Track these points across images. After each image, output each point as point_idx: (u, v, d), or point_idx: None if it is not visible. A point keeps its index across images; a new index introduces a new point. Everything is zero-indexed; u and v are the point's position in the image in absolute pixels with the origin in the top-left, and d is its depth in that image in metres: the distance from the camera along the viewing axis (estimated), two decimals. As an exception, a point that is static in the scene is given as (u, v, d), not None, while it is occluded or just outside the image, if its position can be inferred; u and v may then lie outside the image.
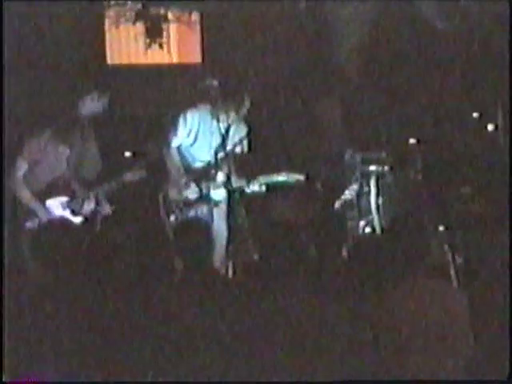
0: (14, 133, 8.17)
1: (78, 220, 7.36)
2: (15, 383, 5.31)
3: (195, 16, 9.25)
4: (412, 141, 8.08)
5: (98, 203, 7.54)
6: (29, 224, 7.29)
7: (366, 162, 7.95)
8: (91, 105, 7.89)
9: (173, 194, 7.41)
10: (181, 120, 7.44)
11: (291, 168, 7.48)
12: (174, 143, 7.45)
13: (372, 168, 7.93)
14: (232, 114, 7.30)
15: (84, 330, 5.09)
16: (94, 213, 7.50)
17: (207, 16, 9.19)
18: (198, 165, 7.46)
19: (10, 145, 7.81)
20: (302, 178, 7.35)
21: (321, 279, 5.87)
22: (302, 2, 7.73)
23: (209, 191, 7.31)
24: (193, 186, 7.34)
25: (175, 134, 7.45)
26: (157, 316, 5.12)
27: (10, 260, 7.21)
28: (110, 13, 9.06)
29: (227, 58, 9.10)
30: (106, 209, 7.69)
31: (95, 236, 7.17)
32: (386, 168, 7.93)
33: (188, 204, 7.34)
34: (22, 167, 7.32)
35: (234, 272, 6.93)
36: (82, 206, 7.44)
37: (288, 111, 8.75)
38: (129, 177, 7.48)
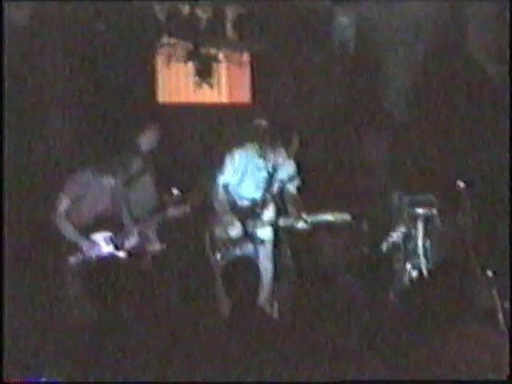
0: (57, 168, 8.28)
1: (121, 255, 7.38)
2: (15, 383, 5.31)
3: (245, 56, 9.32)
4: (461, 184, 8.03)
5: (142, 239, 7.56)
6: (73, 259, 7.33)
7: (414, 204, 7.89)
8: (142, 141, 7.98)
9: (219, 232, 7.41)
10: (228, 159, 7.47)
11: (338, 208, 7.45)
12: (221, 181, 7.49)
13: (420, 210, 7.87)
14: (280, 154, 7.32)
15: (130, 372, 5.08)
16: (139, 248, 7.51)
17: (257, 56, 9.25)
18: (245, 203, 7.48)
19: (52, 180, 7.93)
20: (348, 218, 7.32)
21: (367, 322, 5.83)
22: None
23: (255, 230, 7.31)
24: (238, 224, 7.35)
25: (222, 173, 7.48)
26: (203, 355, 5.10)
27: (53, 294, 7.26)
28: (162, 52, 9.17)
29: (276, 98, 9.15)
30: (155, 245, 7.71)
31: (141, 272, 7.22)
32: (434, 211, 7.87)
33: (234, 242, 7.34)
34: (64, 202, 7.37)
35: (280, 312, 6.89)
36: (125, 240, 7.47)
37: (336, 151, 8.76)
38: (172, 212, 7.50)
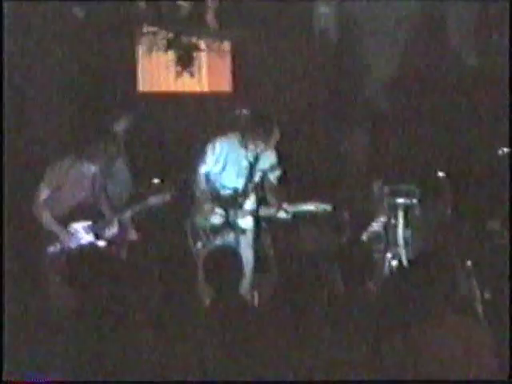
0: (36, 158, 8.24)
1: (101, 244, 7.36)
2: (15, 383, 5.31)
3: (226, 45, 9.30)
4: (441, 174, 8.06)
5: (122, 228, 7.54)
6: (51, 249, 7.29)
7: (394, 194, 7.91)
8: (122, 130, 7.95)
9: (200, 220, 7.41)
10: (209, 147, 7.46)
11: (319, 198, 7.46)
12: (202, 170, 7.47)
13: (400, 200, 7.88)
14: (261, 143, 7.31)
15: (109, 359, 5.08)
16: (118, 237, 7.49)
17: (238, 45, 9.24)
18: (226, 192, 7.47)
19: (31, 170, 7.89)
20: (329, 208, 7.32)
21: (346, 311, 5.84)
22: None
23: (236, 219, 7.31)
24: (220, 212, 7.34)
25: (203, 161, 7.46)
26: (183, 345, 5.11)
27: (31, 283, 7.24)
28: (143, 40, 9.14)
29: (257, 88, 9.15)
30: (132, 234, 7.70)
31: (120, 261, 7.20)
32: (414, 201, 7.89)
33: (215, 231, 7.34)
34: (43, 192, 7.31)
35: (260, 301, 6.90)
36: (105, 230, 7.45)
37: (317, 141, 8.78)
38: (153, 201, 7.48)
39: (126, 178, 7.91)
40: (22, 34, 8.64)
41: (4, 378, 5.47)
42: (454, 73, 8.81)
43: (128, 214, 7.52)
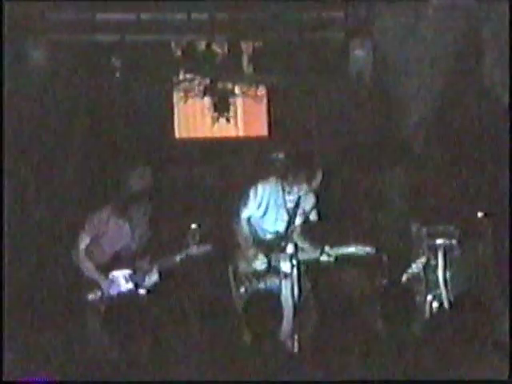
0: (77, 207, 8.33)
1: (142, 292, 7.38)
2: (15, 383, 5.30)
3: (261, 90, 9.37)
4: (480, 214, 8.00)
5: (161, 276, 7.54)
6: (91, 296, 7.34)
7: (433, 235, 7.86)
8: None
9: (242, 265, 7.41)
10: (252, 192, 7.48)
11: (358, 240, 7.43)
12: (244, 215, 7.49)
13: (439, 241, 7.84)
14: (302, 187, 7.33)
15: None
16: (159, 285, 7.49)
17: (273, 90, 9.30)
18: (268, 236, 7.48)
19: (73, 219, 7.98)
20: (372, 250, 7.30)
21: (389, 354, 5.79)
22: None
23: (278, 263, 7.30)
24: (262, 257, 7.34)
25: (245, 206, 7.49)
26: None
27: (72, 330, 7.26)
28: (179, 88, 9.23)
29: (293, 131, 9.18)
30: (175, 282, 7.64)
31: (162, 308, 7.21)
32: (454, 241, 7.84)
33: (257, 276, 7.33)
34: (84, 240, 7.41)
35: (300, 346, 6.85)
36: (145, 278, 7.47)
37: (355, 183, 8.76)
38: (194, 251, 7.50)
39: (169, 225, 7.92)
40: (60, 83, 8.77)
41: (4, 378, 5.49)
42: (491, 112, 8.77)
43: (169, 263, 7.53)
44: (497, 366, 4.99)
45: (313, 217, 7.44)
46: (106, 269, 7.41)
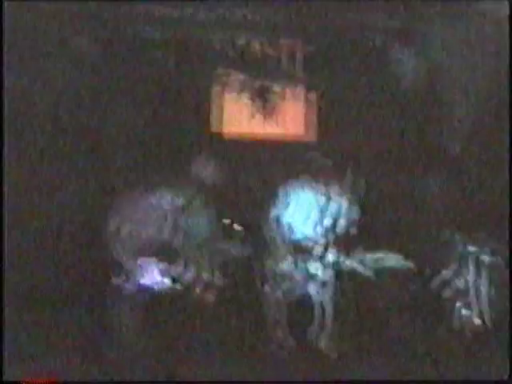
0: (107, 188, 8.34)
1: (175, 285, 7.34)
2: (15, 383, 5.34)
3: (300, 88, 9.36)
4: (513, 222, 7.96)
5: (199, 271, 7.53)
6: (117, 280, 7.27)
7: (466, 241, 7.84)
8: (198, 171, 8.01)
9: (269, 264, 7.41)
10: (280, 191, 7.47)
11: (392, 247, 7.42)
12: (273, 214, 7.49)
13: (472, 248, 7.81)
14: (334, 188, 7.31)
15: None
16: (193, 280, 7.49)
17: (313, 89, 9.29)
18: (296, 236, 7.47)
19: (103, 201, 7.96)
20: (412, 266, 7.27)
21: (422, 361, 5.78)
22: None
23: (305, 264, 7.29)
24: (289, 258, 7.34)
25: (274, 205, 7.48)
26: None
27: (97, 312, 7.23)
28: (218, 82, 9.25)
29: (331, 131, 9.15)
30: (217, 279, 7.61)
31: (193, 304, 7.22)
32: (486, 249, 7.81)
33: (283, 275, 7.33)
34: (112, 223, 7.33)
35: (339, 353, 6.84)
36: (181, 273, 7.44)
37: (392, 188, 8.72)
38: (234, 252, 7.48)
39: (204, 220, 7.92)
40: (103, 73, 8.82)
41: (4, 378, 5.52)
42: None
43: (204, 259, 7.52)
44: (496, 366, 4.98)
45: (344, 224, 7.39)
46: (135, 254, 7.31)
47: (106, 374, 5.62)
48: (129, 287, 7.19)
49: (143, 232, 7.38)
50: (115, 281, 7.27)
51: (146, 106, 9.06)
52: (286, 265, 7.29)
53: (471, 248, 7.84)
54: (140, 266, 7.31)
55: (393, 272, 7.38)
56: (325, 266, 7.19)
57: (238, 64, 9.21)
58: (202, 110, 9.29)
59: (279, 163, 8.79)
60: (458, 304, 7.75)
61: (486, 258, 7.84)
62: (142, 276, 7.29)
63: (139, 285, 7.19)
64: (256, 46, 9.14)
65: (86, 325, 7.10)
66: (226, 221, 8.01)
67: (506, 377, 4.84)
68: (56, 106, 7.97)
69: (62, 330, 6.94)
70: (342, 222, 7.33)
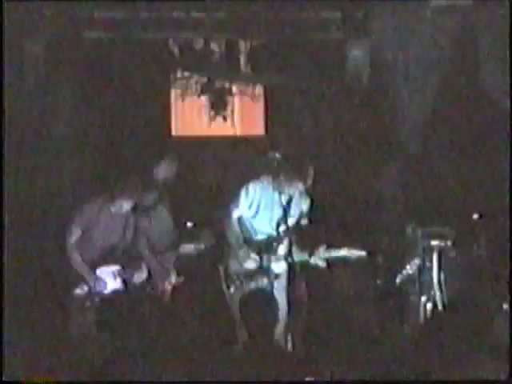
0: (69, 198, 8.31)
1: (128, 288, 7.33)
2: (15, 383, 5.31)
3: (259, 89, 9.38)
4: (475, 216, 8.01)
5: (156, 272, 7.52)
6: (77, 291, 7.28)
7: (429, 236, 7.87)
8: (156, 173, 7.99)
9: (233, 265, 7.39)
10: (243, 192, 7.46)
11: (352, 241, 7.43)
12: (235, 214, 7.47)
13: (434, 243, 7.85)
14: (295, 187, 7.29)
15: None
16: (148, 282, 7.48)
17: (270, 88, 9.31)
18: (259, 237, 7.46)
19: (64, 210, 7.94)
20: (363, 254, 7.28)
21: (382, 355, 5.80)
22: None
23: (269, 263, 7.29)
24: (253, 257, 7.32)
25: (237, 206, 7.46)
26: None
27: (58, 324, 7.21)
28: (176, 86, 9.25)
29: (289, 131, 9.19)
30: (174, 278, 7.62)
31: (154, 306, 7.20)
32: (449, 243, 7.85)
33: (248, 276, 7.32)
34: (75, 232, 7.32)
35: (294, 345, 6.86)
36: (134, 274, 7.44)
37: (350, 184, 8.76)
38: (186, 249, 7.48)
39: (162, 222, 7.91)
40: (57, 77, 8.79)
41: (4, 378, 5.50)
42: (488, 113, 8.78)
43: (164, 260, 7.51)
44: (496, 367, 5.00)
45: (306, 222, 7.39)
46: (95, 263, 7.32)
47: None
48: (88, 297, 7.20)
49: (103, 241, 7.37)
50: (77, 292, 7.28)
51: (105, 111, 9.05)
52: (249, 264, 7.28)
53: (434, 242, 7.86)
54: (98, 275, 7.30)
55: (350, 264, 7.40)
56: (289, 265, 7.18)
57: (196, 67, 9.22)
58: (162, 114, 9.30)
59: (240, 163, 8.83)
60: (423, 298, 7.77)
61: (449, 253, 7.89)
62: (100, 285, 7.28)
63: (98, 293, 7.19)
64: (214, 47, 9.15)
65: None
66: (189, 224, 7.99)
67: (505, 377, 4.86)
68: (10, 115, 7.92)
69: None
70: (296, 217, 7.32)
